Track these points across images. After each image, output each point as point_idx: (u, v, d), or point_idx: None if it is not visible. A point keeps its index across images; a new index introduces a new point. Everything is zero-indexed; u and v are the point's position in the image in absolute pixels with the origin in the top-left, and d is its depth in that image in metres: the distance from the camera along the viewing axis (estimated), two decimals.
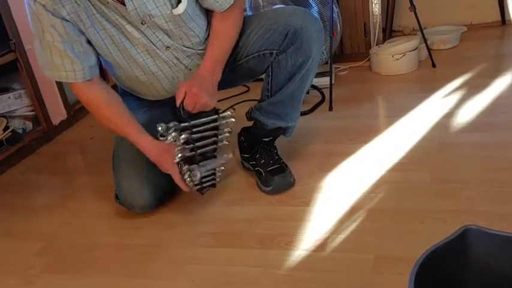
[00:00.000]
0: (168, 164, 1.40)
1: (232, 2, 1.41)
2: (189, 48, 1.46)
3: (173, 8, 1.35)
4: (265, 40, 1.45)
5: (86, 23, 1.32)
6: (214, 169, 1.46)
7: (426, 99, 2.03)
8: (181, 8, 1.35)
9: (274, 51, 1.45)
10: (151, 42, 1.40)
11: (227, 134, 1.45)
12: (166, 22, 1.37)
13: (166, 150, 1.40)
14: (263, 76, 1.56)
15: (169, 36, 1.41)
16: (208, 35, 1.48)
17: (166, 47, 1.43)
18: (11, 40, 2.07)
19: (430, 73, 2.35)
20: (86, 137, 2.31)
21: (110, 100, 1.44)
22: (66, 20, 1.29)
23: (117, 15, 1.33)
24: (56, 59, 1.33)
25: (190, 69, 1.50)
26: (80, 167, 2.11)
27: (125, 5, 1.30)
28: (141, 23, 1.35)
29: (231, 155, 1.49)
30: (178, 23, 1.39)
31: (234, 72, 1.52)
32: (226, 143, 1.46)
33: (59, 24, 1.28)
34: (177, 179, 1.42)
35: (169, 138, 1.34)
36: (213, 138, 1.43)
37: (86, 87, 1.41)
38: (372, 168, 1.59)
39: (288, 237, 1.34)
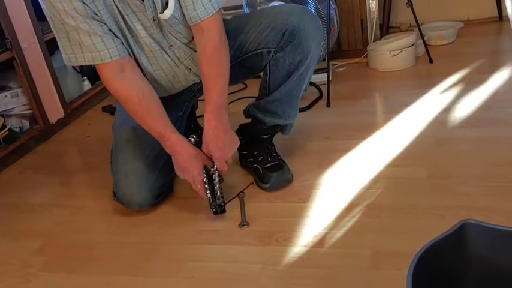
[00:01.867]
0: (197, 169, 1.40)
1: (210, 14, 1.33)
2: (188, 47, 1.46)
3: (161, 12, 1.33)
4: (263, 38, 1.45)
5: (102, 13, 1.30)
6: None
7: (423, 95, 2.03)
8: (167, 13, 1.33)
9: (272, 50, 1.45)
10: (156, 41, 1.39)
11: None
12: (177, 20, 1.37)
13: (196, 156, 1.40)
14: (261, 73, 1.56)
15: (173, 35, 1.40)
16: None
17: (170, 46, 1.42)
18: (7, 38, 2.06)
19: (427, 69, 2.35)
20: (83, 135, 2.31)
21: (144, 93, 1.39)
22: (86, 4, 1.26)
23: (130, 11, 1.32)
24: (86, 40, 1.29)
25: (190, 69, 1.50)
26: (77, 165, 2.11)
27: (143, 1, 1.29)
28: (153, 19, 1.34)
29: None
30: (167, 26, 1.39)
31: (232, 70, 1.52)
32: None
33: (80, 6, 1.25)
34: (201, 187, 1.42)
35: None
36: None
37: (118, 77, 1.36)
38: (370, 164, 1.60)
39: (287, 233, 1.34)
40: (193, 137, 1.45)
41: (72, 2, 1.24)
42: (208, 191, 1.42)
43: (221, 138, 1.40)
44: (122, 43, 1.37)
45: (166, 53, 1.43)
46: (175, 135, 1.41)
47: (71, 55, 1.35)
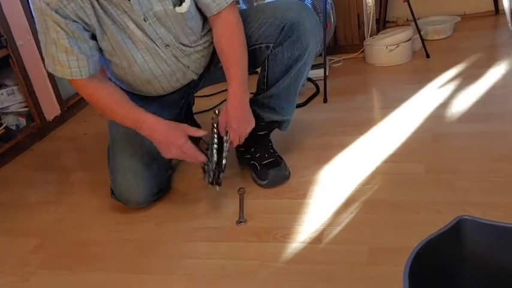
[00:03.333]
0: (181, 137, 1.38)
1: (229, 2, 1.38)
2: (186, 46, 1.45)
3: (175, 6, 1.34)
4: (261, 34, 1.45)
5: (91, 19, 1.30)
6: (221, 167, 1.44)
7: (420, 90, 2.03)
8: (184, 7, 1.35)
9: (271, 45, 1.45)
10: (152, 39, 1.39)
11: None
12: (169, 18, 1.36)
13: (175, 127, 1.40)
14: (258, 69, 1.55)
15: (169, 33, 1.40)
16: (208, 31, 1.48)
17: (166, 45, 1.41)
18: (2, 36, 2.05)
19: (424, 64, 2.35)
20: (80, 132, 2.30)
21: (113, 91, 1.42)
22: (71, 18, 1.27)
23: (120, 11, 1.31)
24: (61, 55, 1.31)
25: (188, 67, 1.49)
26: (74, 163, 2.10)
27: (130, 1, 1.29)
28: (144, 19, 1.34)
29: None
30: (179, 21, 1.38)
31: None
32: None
33: (63, 22, 1.26)
34: (193, 151, 1.40)
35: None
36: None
37: (88, 82, 1.38)
38: (367, 160, 1.60)
39: (284, 230, 1.34)
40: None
41: (55, 18, 1.26)
42: (205, 157, 1.40)
43: (244, 110, 1.42)
44: (99, 59, 1.40)
45: (163, 51, 1.42)
46: (149, 115, 1.39)
47: (48, 65, 1.37)
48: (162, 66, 1.45)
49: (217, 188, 1.43)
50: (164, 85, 1.51)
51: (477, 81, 2.01)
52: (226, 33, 1.41)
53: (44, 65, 1.39)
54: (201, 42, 1.48)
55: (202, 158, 1.41)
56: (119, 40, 1.36)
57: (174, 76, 1.49)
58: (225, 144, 1.42)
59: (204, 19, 1.46)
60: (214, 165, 1.42)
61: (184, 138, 1.39)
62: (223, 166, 1.42)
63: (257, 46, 1.46)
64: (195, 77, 1.54)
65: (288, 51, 1.44)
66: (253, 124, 1.47)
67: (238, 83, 1.40)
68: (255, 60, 1.50)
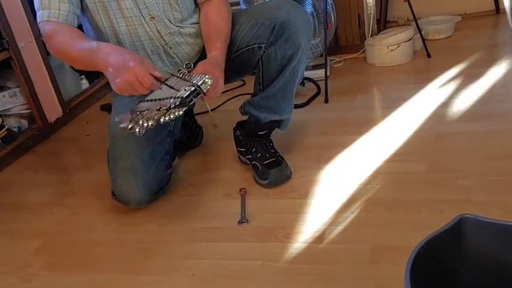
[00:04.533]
0: (134, 59, 1.25)
1: None
2: (171, 23, 1.48)
3: None
4: (253, 34, 1.46)
5: None
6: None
7: (421, 90, 2.03)
8: None
9: (263, 45, 1.46)
10: (139, 8, 1.42)
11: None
12: None
13: (131, 51, 1.35)
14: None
15: (156, 5, 1.43)
16: (195, 22, 1.52)
17: (151, 17, 1.45)
18: (4, 38, 2.06)
19: (425, 63, 2.35)
20: (82, 134, 2.31)
21: (76, 31, 1.42)
22: None
23: None
24: None
25: (170, 48, 1.52)
26: (76, 164, 2.11)
27: None
28: None
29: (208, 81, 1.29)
30: None
31: (226, 69, 1.52)
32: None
33: None
34: (147, 77, 1.23)
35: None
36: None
37: (58, 23, 1.39)
38: (368, 159, 1.60)
39: (286, 229, 1.34)
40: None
41: None
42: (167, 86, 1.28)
43: (221, 70, 1.38)
44: (77, 14, 1.42)
45: (147, 23, 1.45)
46: (105, 43, 1.37)
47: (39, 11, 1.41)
48: (144, 38, 1.47)
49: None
50: None
51: (478, 81, 2.01)
52: (217, 10, 1.47)
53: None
54: (187, 24, 1.51)
55: (154, 85, 1.26)
56: (106, 2, 1.40)
57: (156, 54, 1.51)
58: (203, 78, 1.28)
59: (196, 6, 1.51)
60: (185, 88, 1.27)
61: (139, 59, 1.26)
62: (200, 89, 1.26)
63: (250, 47, 1.48)
64: (181, 64, 1.52)
65: (280, 51, 1.45)
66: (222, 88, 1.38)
67: (220, 51, 1.42)
68: (249, 61, 1.51)
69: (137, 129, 1.21)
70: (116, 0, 1.41)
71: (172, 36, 1.50)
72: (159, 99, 1.28)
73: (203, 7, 1.52)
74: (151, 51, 1.51)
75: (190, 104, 1.25)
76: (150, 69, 1.26)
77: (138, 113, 1.25)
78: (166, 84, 1.30)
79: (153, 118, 1.21)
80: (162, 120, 1.21)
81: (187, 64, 1.41)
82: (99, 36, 1.50)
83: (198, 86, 1.26)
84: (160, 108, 1.23)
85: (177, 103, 1.23)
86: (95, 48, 1.31)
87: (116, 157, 1.51)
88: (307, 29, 1.48)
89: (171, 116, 1.22)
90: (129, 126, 1.22)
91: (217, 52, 1.42)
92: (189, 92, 1.25)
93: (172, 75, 1.35)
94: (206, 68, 1.33)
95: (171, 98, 1.25)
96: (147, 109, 1.25)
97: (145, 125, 1.20)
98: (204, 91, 1.27)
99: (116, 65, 1.24)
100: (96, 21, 1.46)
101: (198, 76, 1.30)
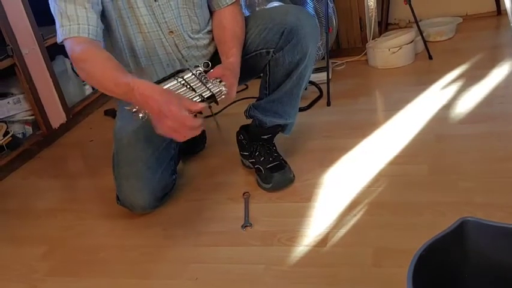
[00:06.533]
0: (174, 99, 1.18)
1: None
2: (189, 37, 1.47)
3: None
4: (261, 39, 1.46)
5: None
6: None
7: (423, 92, 2.03)
8: None
9: (271, 50, 1.46)
10: (158, 23, 1.41)
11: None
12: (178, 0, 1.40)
13: (167, 91, 1.25)
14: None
15: (176, 19, 1.42)
16: (209, 31, 1.52)
17: (170, 31, 1.44)
18: (8, 45, 2.08)
19: (427, 65, 2.35)
20: (86, 139, 2.32)
21: (109, 57, 1.31)
22: None
23: None
24: (76, 10, 1.28)
25: (186, 61, 1.51)
26: (81, 170, 2.12)
27: None
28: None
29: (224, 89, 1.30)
30: (188, 5, 1.42)
31: None
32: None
33: None
34: (193, 104, 1.21)
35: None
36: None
37: (89, 42, 1.31)
38: (371, 162, 1.60)
39: (289, 233, 1.35)
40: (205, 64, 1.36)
41: None
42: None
43: (236, 78, 1.38)
44: (106, 29, 1.39)
45: (165, 37, 1.44)
46: (141, 81, 1.23)
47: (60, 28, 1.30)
48: (161, 52, 1.46)
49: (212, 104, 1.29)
50: (160, 74, 1.49)
51: (480, 82, 2.01)
52: (232, 16, 1.49)
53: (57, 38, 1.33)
54: (202, 35, 1.50)
55: (199, 106, 1.22)
56: (126, 17, 1.39)
57: (171, 66, 1.50)
58: (219, 86, 1.28)
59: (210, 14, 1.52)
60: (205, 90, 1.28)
61: (179, 98, 1.21)
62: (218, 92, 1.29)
63: (258, 52, 1.48)
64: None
65: (288, 56, 1.45)
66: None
67: (236, 56, 1.41)
68: (256, 66, 1.51)
69: (140, 115, 1.21)
70: (135, 15, 1.39)
71: (189, 50, 1.49)
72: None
73: (216, 13, 1.52)
74: (167, 64, 1.49)
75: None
76: (189, 106, 1.19)
77: None
78: (184, 80, 1.29)
79: None
80: None
81: (205, 63, 1.38)
82: (114, 46, 1.47)
83: (214, 94, 1.28)
84: None
85: None
86: (131, 85, 1.21)
87: (121, 163, 1.52)
88: (315, 34, 1.49)
89: None
90: (133, 110, 1.22)
91: (234, 58, 1.41)
92: (202, 99, 1.27)
93: (189, 69, 1.33)
94: (224, 74, 1.33)
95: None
96: None
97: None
98: (218, 100, 1.29)
99: (156, 111, 1.17)
100: (114, 34, 1.43)
101: (215, 82, 1.30)
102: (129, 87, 1.21)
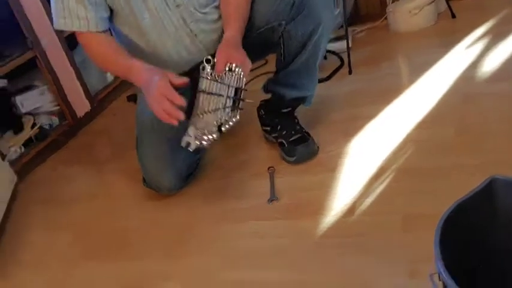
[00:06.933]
0: (159, 71, 1.33)
1: None
2: (196, 10, 1.45)
3: None
4: (272, 12, 1.43)
5: None
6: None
7: (448, 53, 1.97)
8: None
9: (283, 22, 1.43)
10: None
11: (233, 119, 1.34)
12: None
13: (156, 69, 1.36)
14: None
15: None
16: (218, 3, 1.48)
17: (177, 5, 1.42)
18: (28, 38, 2.10)
19: (450, 25, 2.27)
20: (111, 126, 2.35)
21: (118, 46, 1.45)
22: None
23: None
24: (72, 5, 1.36)
25: (195, 35, 1.48)
26: (107, 156, 2.15)
27: None
28: None
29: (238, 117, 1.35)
30: None
31: (247, 49, 1.50)
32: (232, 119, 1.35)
33: None
34: (172, 76, 1.30)
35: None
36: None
37: (95, 36, 1.43)
38: (396, 128, 1.57)
39: (316, 205, 1.34)
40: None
41: None
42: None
43: (240, 46, 1.38)
44: (108, 19, 1.44)
45: (172, 11, 1.42)
46: (137, 61, 1.39)
47: (59, 18, 1.41)
48: (169, 27, 1.45)
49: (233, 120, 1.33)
50: (171, 51, 1.49)
51: (506, 38, 1.93)
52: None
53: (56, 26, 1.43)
54: (209, 9, 1.48)
55: (181, 102, 1.27)
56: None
57: (182, 43, 1.48)
58: (236, 74, 1.33)
59: None
60: (227, 100, 1.32)
61: (162, 74, 1.31)
62: (242, 93, 1.34)
63: (269, 26, 1.45)
64: (205, 54, 1.48)
65: (301, 27, 1.42)
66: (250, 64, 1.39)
67: (238, 29, 1.40)
68: (270, 40, 1.48)
69: (205, 143, 1.32)
70: None
71: (198, 24, 1.47)
72: (210, 111, 1.33)
73: None
74: (177, 41, 1.48)
75: (241, 105, 1.33)
76: (170, 77, 1.29)
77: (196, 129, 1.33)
78: (209, 92, 1.33)
79: (215, 131, 1.31)
80: (223, 129, 1.32)
81: (207, 59, 1.36)
82: (122, 27, 1.48)
83: (237, 88, 1.32)
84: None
85: (229, 112, 1.32)
86: (129, 66, 1.38)
87: (144, 144, 1.53)
88: (327, 3, 1.45)
89: (230, 123, 1.32)
90: (195, 145, 1.32)
91: (233, 31, 1.39)
92: (233, 100, 1.32)
93: (201, 77, 1.35)
94: (228, 55, 1.33)
95: (219, 109, 1.32)
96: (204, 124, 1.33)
97: (210, 137, 1.31)
98: (244, 86, 1.33)
99: (149, 91, 1.30)
100: (120, 14, 1.44)
101: (230, 75, 1.32)
102: (127, 67, 1.37)
